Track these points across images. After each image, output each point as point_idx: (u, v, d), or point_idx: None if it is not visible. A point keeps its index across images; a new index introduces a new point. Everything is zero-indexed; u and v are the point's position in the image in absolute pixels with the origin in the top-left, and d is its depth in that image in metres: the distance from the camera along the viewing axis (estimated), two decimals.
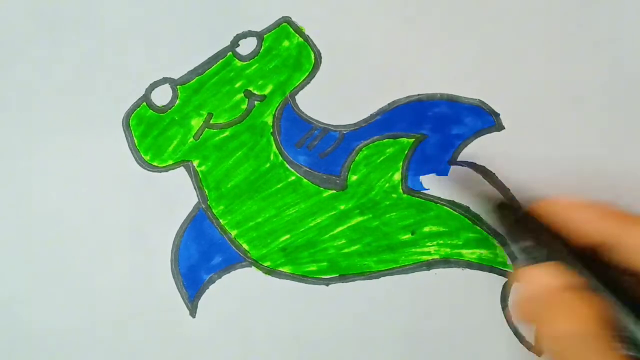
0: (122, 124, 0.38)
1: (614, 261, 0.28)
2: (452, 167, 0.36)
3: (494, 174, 0.36)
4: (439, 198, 0.36)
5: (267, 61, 0.38)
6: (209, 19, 0.39)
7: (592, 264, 0.28)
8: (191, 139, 0.38)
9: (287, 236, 0.37)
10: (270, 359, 0.36)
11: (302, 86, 0.38)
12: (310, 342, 0.36)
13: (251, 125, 0.38)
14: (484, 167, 0.36)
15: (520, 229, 0.31)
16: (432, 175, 0.36)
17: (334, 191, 0.37)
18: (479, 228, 0.36)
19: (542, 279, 0.28)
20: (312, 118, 0.37)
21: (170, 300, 0.36)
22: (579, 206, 0.29)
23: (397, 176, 0.37)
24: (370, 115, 0.37)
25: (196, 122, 0.38)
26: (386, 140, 0.37)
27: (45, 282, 0.37)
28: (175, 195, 0.37)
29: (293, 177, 0.37)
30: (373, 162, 0.37)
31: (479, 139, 0.36)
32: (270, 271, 0.36)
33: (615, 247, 0.28)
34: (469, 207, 0.36)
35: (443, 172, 0.36)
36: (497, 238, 0.36)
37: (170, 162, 0.38)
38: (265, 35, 0.38)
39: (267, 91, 0.38)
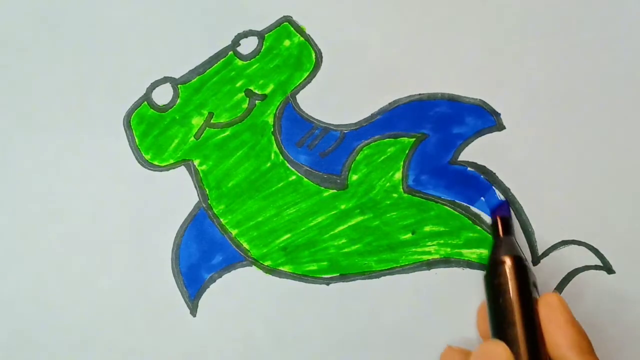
0: (123, 123, 0.38)
1: None
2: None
3: (494, 173, 0.36)
4: (439, 198, 0.36)
5: (268, 60, 0.38)
6: (209, 18, 0.39)
7: None
8: (192, 138, 0.38)
9: (288, 235, 0.37)
10: (270, 359, 0.36)
11: (303, 85, 0.38)
12: (310, 342, 0.36)
13: (252, 124, 0.38)
14: (484, 167, 0.36)
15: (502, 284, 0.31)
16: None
17: (335, 191, 0.37)
18: (479, 228, 0.36)
19: (492, 356, 0.29)
20: (312, 117, 0.38)
21: (170, 299, 0.36)
22: (568, 323, 0.29)
23: (398, 176, 0.37)
24: (371, 114, 0.37)
25: (197, 121, 0.38)
26: (387, 139, 0.37)
27: (45, 282, 0.37)
28: (176, 194, 0.37)
29: (294, 177, 0.37)
30: (374, 162, 0.37)
31: (479, 138, 0.37)
32: (270, 270, 0.36)
33: None
34: (469, 207, 0.36)
35: (444, 171, 0.36)
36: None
37: (171, 161, 0.38)
38: (266, 35, 0.38)
39: (268, 90, 0.38)
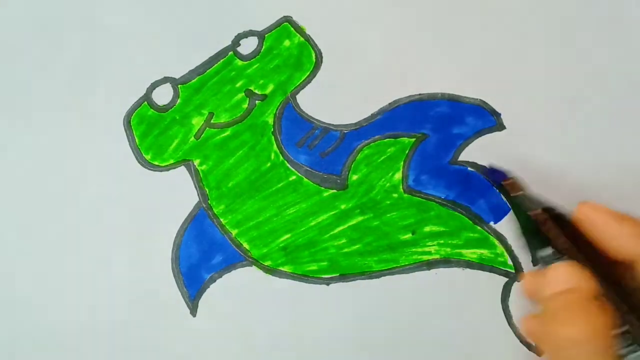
0: (123, 123, 0.38)
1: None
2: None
3: None
4: (439, 198, 0.36)
5: (268, 60, 0.38)
6: (210, 19, 0.39)
7: (613, 277, 0.28)
8: (192, 138, 0.38)
9: (288, 235, 0.37)
10: (270, 359, 0.36)
11: (303, 85, 0.38)
12: (310, 342, 0.36)
13: (252, 124, 0.38)
14: (484, 167, 0.36)
15: (547, 234, 0.31)
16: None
17: (335, 191, 0.37)
18: (479, 228, 0.36)
19: (567, 278, 0.28)
20: (313, 117, 0.38)
21: (171, 299, 0.36)
22: (615, 218, 0.29)
23: (398, 176, 0.37)
24: (371, 114, 0.37)
25: (197, 122, 0.38)
26: (387, 139, 0.37)
27: (46, 282, 0.37)
28: (176, 194, 0.37)
29: (294, 177, 0.37)
30: (374, 162, 0.37)
31: (480, 138, 0.37)
32: (270, 270, 0.36)
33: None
34: (469, 208, 0.36)
35: (444, 171, 0.36)
36: (500, 239, 0.36)
37: (171, 161, 0.38)
38: (266, 35, 0.39)
39: (268, 90, 0.38)
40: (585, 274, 0.28)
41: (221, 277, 0.36)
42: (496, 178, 0.35)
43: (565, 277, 0.28)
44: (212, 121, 0.38)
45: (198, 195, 0.37)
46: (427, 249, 0.36)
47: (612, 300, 0.27)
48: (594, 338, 0.26)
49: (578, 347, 0.26)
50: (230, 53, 0.38)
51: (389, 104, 0.37)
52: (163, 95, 0.38)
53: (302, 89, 0.38)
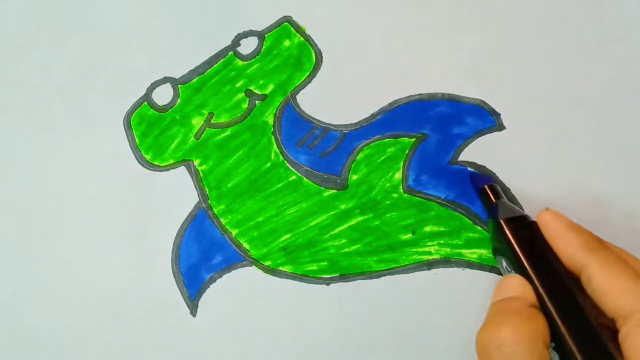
0: (123, 123, 0.38)
1: (587, 290, 0.28)
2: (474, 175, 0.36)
3: (494, 173, 0.36)
4: (439, 198, 0.36)
5: (268, 60, 0.38)
6: (210, 19, 0.39)
7: (559, 287, 0.29)
8: (192, 138, 0.38)
9: (288, 235, 0.37)
10: (270, 359, 0.36)
11: (303, 85, 0.38)
12: (310, 342, 0.36)
13: (252, 124, 0.38)
14: (484, 167, 0.36)
15: (506, 245, 0.31)
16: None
17: (335, 191, 0.37)
18: (479, 228, 0.36)
19: (509, 289, 0.29)
20: (313, 117, 0.38)
21: (171, 299, 0.36)
22: (568, 228, 0.30)
23: (398, 176, 0.37)
24: (371, 114, 0.37)
25: (197, 122, 0.38)
26: (387, 139, 0.37)
27: (46, 282, 0.37)
28: (176, 194, 0.37)
29: (294, 177, 0.37)
30: (374, 162, 0.37)
31: (479, 138, 0.37)
32: (270, 270, 0.36)
33: (585, 279, 0.28)
34: (469, 208, 0.36)
35: (444, 171, 0.36)
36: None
37: (171, 161, 0.38)
38: (266, 35, 0.39)
39: (268, 90, 0.38)
40: (527, 286, 0.29)
41: (221, 277, 0.36)
42: (477, 183, 0.35)
43: (508, 288, 0.29)
44: (212, 121, 0.38)
45: (198, 195, 0.37)
46: (427, 249, 0.36)
47: (548, 313, 0.28)
48: (524, 341, 0.26)
49: (507, 349, 0.26)
50: (230, 53, 0.38)
51: (389, 104, 0.37)
52: (163, 95, 0.38)
53: (302, 89, 0.38)
